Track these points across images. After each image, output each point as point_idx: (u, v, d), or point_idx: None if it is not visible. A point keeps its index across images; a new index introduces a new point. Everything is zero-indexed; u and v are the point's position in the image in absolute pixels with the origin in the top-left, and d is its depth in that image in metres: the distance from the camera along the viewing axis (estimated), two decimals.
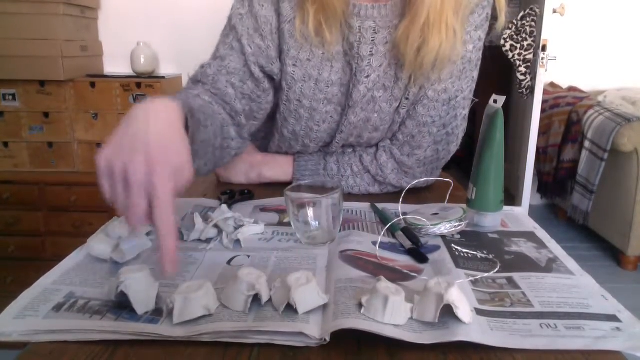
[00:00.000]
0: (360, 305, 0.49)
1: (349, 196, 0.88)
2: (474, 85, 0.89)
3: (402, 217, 0.73)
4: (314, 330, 0.46)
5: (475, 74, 0.88)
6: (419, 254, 0.64)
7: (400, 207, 0.76)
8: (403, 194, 0.78)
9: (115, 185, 0.51)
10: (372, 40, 0.82)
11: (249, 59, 0.84)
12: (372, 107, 0.87)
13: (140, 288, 0.50)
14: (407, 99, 0.87)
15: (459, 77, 0.85)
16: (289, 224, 0.72)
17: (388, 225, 0.70)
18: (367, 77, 0.84)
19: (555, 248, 0.67)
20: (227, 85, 0.85)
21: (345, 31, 0.82)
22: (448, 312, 0.47)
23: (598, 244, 2.75)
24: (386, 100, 0.86)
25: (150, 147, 0.51)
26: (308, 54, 0.84)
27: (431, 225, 0.70)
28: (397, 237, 0.69)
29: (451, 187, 0.85)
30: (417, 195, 0.88)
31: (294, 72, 0.85)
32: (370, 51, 0.83)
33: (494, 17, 0.91)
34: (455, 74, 0.85)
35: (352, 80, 0.85)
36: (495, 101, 0.72)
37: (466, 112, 0.90)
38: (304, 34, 0.82)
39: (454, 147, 0.92)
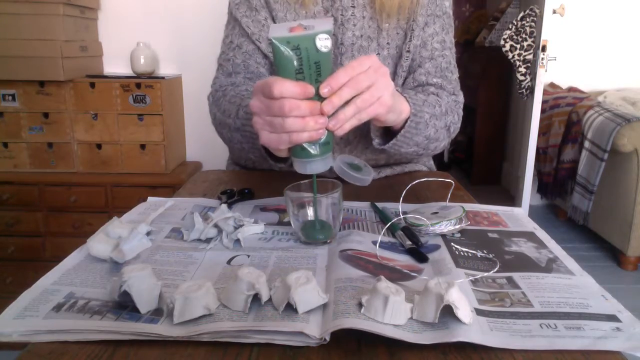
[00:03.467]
0: (360, 305, 0.49)
1: (349, 195, 0.88)
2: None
3: (402, 217, 0.73)
4: (314, 330, 0.46)
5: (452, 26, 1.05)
6: (419, 253, 0.64)
7: (400, 206, 0.76)
8: (403, 193, 0.78)
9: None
10: None
11: (254, 38, 0.96)
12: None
13: (143, 287, 0.50)
14: (408, 51, 0.96)
15: (448, 30, 1.00)
16: (288, 224, 0.72)
17: (388, 225, 0.70)
18: (354, 25, 0.94)
19: (555, 248, 0.67)
20: (258, 65, 0.98)
21: None
22: (448, 312, 0.47)
23: (598, 244, 2.76)
24: (374, 49, 0.96)
25: None
26: (294, 15, 0.95)
27: (431, 224, 0.70)
28: (397, 237, 0.69)
29: (452, 188, 0.85)
30: (417, 195, 0.88)
31: None
32: (352, 3, 0.94)
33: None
34: (446, 27, 1.00)
35: (341, 29, 0.94)
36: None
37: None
38: None
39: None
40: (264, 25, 0.96)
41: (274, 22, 0.96)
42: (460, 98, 1.01)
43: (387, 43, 0.96)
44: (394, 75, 0.98)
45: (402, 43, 0.97)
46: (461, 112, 1.01)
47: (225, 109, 0.90)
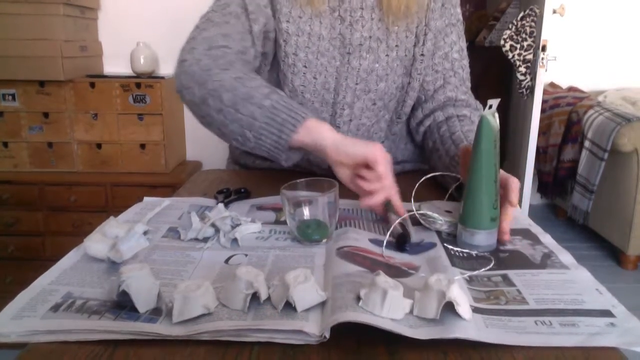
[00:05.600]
0: (358, 299, 0.49)
1: (347, 194, 0.87)
2: None
3: (414, 208, 0.73)
4: (313, 328, 0.46)
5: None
6: (401, 243, 0.65)
7: (412, 200, 0.75)
8: (416, 186, 0.77)
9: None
10: None
11: (250, 17, 0.92)
12: (373, 58, 0.95)
13: (141, 286, 0.50)
14: (422, 55, 0.97)
15: (463, 37, 1.03)
16: (286, 222, 0.72)
17: (402, 218, 0.69)
18: (363, 26, 0.94)
19: (549, 243, 0.68)
20: (241, 41, 0.92)
21: None
22: (445, 309, 0.48)
23: (598, 244, 2.75)
24: (383, 50, 0.96)
25: None
26: (299, 12, 0.93)
27: (443, 220, 0.70)
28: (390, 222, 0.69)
29: (455, 185, 0.83)
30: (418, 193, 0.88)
31: (287, 27, 0.93)
32: (361, 5, 0.93)
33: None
34: (461, 34, 1.03)
35: (349, 29, 0.93)
36: (490, 106, 0.64)
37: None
38: None
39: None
40: (261, 10, 0.92)
41: (274, 18, 0.93)
42: (480, 106, 1.04)
43: (396, 45, 0.96)
44: (408, 78, 0.99)
45: (412, 46, 0.97)
46: None
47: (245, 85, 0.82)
